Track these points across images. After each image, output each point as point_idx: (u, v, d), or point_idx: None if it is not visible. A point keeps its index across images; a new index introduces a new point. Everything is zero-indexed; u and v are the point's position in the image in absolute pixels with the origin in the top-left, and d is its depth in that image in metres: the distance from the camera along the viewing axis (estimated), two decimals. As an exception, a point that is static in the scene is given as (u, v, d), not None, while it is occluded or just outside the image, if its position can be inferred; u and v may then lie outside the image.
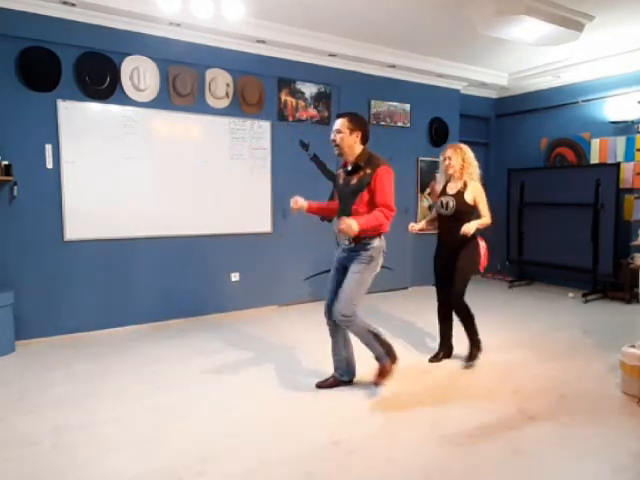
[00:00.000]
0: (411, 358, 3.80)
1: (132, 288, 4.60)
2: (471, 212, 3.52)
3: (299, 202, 3.12)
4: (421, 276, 6.31)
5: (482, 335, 4.36)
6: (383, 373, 3.11)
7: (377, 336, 3.06)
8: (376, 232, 2.94)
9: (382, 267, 3.13)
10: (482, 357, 3.81)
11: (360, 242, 2.94)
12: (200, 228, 4.91)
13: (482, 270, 3.68)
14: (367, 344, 3.07)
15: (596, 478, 2.26)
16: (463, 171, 3.51)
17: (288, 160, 5.38)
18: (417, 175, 6.47)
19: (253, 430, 2.68)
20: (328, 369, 3.53)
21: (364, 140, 2.97)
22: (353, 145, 2.93)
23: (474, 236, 3.49)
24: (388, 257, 3.32)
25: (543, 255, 6.41)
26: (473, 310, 3.64)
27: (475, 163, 3.56)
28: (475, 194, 3.51)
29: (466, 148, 3.57)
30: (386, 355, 3.08)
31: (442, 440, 2.57)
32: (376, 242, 2.95)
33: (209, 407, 2.96)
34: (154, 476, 2.25)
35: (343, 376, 3.25)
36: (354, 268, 2.96)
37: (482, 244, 3.59)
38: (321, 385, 3.23)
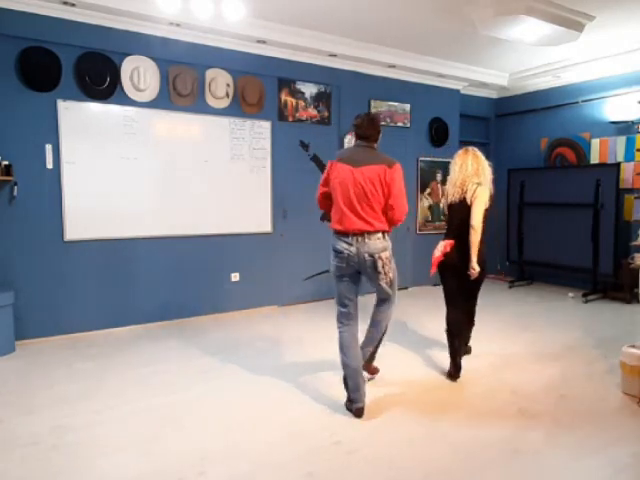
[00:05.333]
0: (411, 358, 3.80)
1: (132, 288, 4.60)
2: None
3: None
4: (421, 276, 6.31)
5: (482, 335, 4.37)
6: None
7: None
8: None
9: None
10: (482, 357, 3.82)
11: None
12: (200, 228, 4.91)
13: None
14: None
15: (596, 478, 2.26)
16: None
17: (288, 160, 5.38)
18: (417, 175, 6.46)
19: (253, 430, 2.68)
20: (328, 369, 3.54)
21: (357, 137, 2.99)
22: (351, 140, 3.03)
23: None
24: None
25: (543, 255, 6.41)
26: (477, 309, 3.67)
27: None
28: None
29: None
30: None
31: (442, 440, 2.57)
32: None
33: (209, 407, 2.96)
34: (154, 476, 2.25)
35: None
36: None
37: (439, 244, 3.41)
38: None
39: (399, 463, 2.36)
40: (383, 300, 3.09)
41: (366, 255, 2.82)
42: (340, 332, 2.92)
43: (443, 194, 3.59)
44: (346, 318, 2.91)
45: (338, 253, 2.86)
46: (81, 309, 4.37)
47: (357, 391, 2.83)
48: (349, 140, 5.78)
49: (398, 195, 2.86)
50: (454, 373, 3.38)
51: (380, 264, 2.85)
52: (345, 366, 2.87)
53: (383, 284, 2.93)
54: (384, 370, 3.48)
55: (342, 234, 2.85)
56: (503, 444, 2.53)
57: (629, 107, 5.70)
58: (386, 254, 2.88)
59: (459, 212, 3.33)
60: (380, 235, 2.86)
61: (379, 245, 2.85)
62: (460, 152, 3.46)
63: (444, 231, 3.72)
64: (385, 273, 2.89)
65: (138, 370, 3.54)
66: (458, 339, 3.42)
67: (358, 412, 2.80)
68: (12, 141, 3.99)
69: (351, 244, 2.83)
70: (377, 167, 2.84)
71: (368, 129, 2.93)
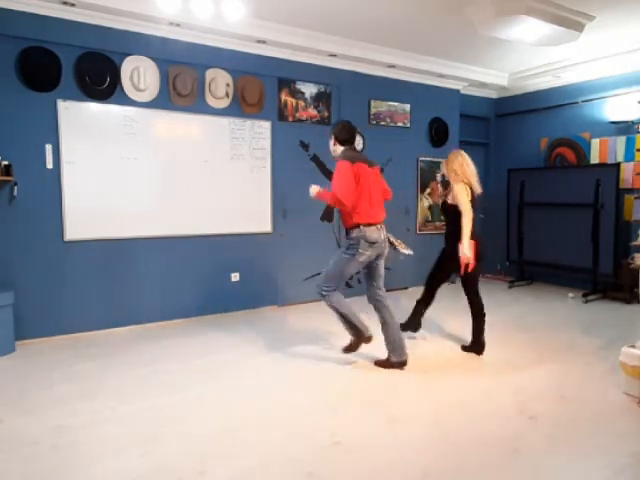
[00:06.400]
0: (410, 358, 3.80)
1: (132, 288, 4.60)
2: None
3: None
4: (421, 276, 6.28)
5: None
6: (350, 346, 3.62)
7: (344, 318, 3.49)
8: (353, 222, 3.35)
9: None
10: (482, 358, 3.83)
11: (346, 232, 3.46)
12: (200, 228, 4.91)
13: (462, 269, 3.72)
14: (340, 320, 3.55)
15: (596, 478, 2.26)
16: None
17: (288, 160, 5.38)
18: (417, 175, 6.46)
19: (253, 430, 2.68)
20: (328, 370, 3.54)
21: (339, 141, 3.44)
22: (333, 147, 3.49)
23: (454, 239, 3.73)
24: (387, 257, 3.45)
25: (543, 255, 6.41)
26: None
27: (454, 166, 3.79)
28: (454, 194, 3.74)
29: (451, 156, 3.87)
30: (354, 335, 3.56)
31: (442, 440, 2.57)
32: (354, 232, 3.35)
33: (209, 407, 2.96)
34: (154, 476, 2.25)
35: (392, 357, 3.54)
36: (337, 252, 3.55)
37: (460, 247, 3.62)
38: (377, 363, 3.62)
39: (399, 463, 2.36)
40: (382, 298, 3.53)
41: (386, 239, 3.44)
42: (331, 293, 3.41)
43: (465, 190, 3.70)
44: (339, 289, 3.48)
45: (373, 243, 3.32)
46: (81, 309, 4.37)
47: (362, 323, 3.51)
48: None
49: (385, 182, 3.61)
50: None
51: (393, 239, 3.52)
52: (348, 312, 3.45)
53: (402, 250, 3.56)
54: (384, 371, 3.49)
55: (373, 225, 3.33)
56: (503, 444, 2.53)
57: (629, 107, 5.70)
58: (388, 233, 3.52)
59: (474, 207, 3.70)
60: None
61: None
62: (455, 153, 3.87)
63: (441, 230, 3.89)
64: (399, 242, 3.57)
65: (138, 370, 3.54)
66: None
67: (371, 338, 3.54)
68: (12, 141, 3.99)
69: (380, 231, 3.38)
70: (377, 167, 3.50)
71: (352, 135, 3.45)
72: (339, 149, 3.44)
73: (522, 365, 3.66)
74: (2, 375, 3.46)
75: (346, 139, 3.42)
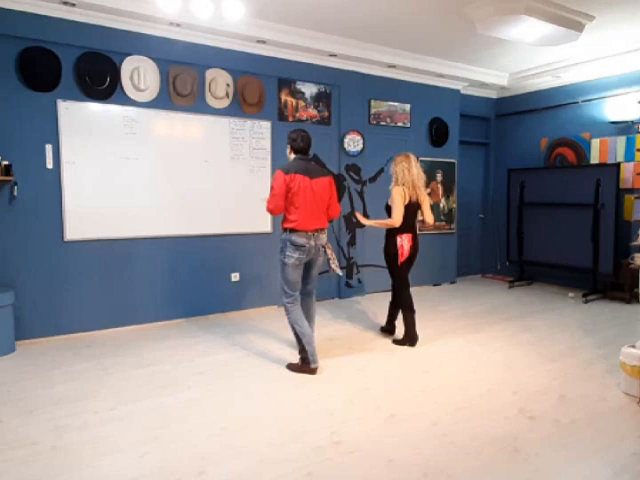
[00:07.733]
0: (409, 357, 3.81)
1: (132, 288, 4.60)
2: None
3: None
4: (419, 276, 6.30)
5: (481, 335, 4.38)
6: (292, 366, 3.58)
7: (298, 339, 3.51)
8: (283, 225, 3.50)
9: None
10: (482, 357, 3.83)
11: None
12: (200, 228, 4.91)
13: (399, 264, 4.02)
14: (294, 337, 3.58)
15: (596, 479, 2.26)
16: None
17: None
18: (417, 175, 6.45)
19: (253, 430, 2.68)
20: (328, 369, 3.54)
21: (294, 150, 3.55)
22: (288, 155, 3.62)
23: (389, 234, 4.03)
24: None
25: (543, 255, 6.41)
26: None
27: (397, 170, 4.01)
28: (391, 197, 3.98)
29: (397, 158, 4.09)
30: (300, 358, 3.55)
31: (442, 440, 2.57)
32: (283, 235, 3.50)
33: (209, 407, 2.97)
34: (154, 476, 2.25)
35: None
36: None
37: (399, 239, 3.95)
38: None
39: (399, 463, 2.36)
40: (311, 292, 3.70)
41: (320, 247, 3.54)
42: (292, 309, 3.52)
43: (401, 196, 3.91)
44: (295, 299, 3.55)
45: (300, 247, 3.43)
46: (81, 309, 4.37)
47: (315, 353, 3.49)
48: (349, 141, 5.78)
49: (336, 199, 3.66)
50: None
51: (329, 252, 3.63)
52: (303, 334, 3.47)
53: (333, 266, 3.66)
54: (385, 370, 3.49)
55: (303, 232, 3.42)
56: (503, 444, 2.53)
57: (629, 107, 5.70)
58: (328, 244, 3.65)
59: (414, 210, 4.01)
60: (326, 231, 3.60)
61: (325, 238, 3.59)
62: (402, 156, 4.06)
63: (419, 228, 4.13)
64: (333, 258, 3.64)
65: (138, 370, 3.55)
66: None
67: (316, 370, 3.47)
68: (12, 141, 3.99)
69: (310, 238, 3.45)
70: (326, 178, 3.56)
71: (307, 145, 3.53)
72: (291, 157, 3.57)
73: (522, 365, 3.66)
74: (2, 375, 3.46)
75: (300, 148, 3.51)
